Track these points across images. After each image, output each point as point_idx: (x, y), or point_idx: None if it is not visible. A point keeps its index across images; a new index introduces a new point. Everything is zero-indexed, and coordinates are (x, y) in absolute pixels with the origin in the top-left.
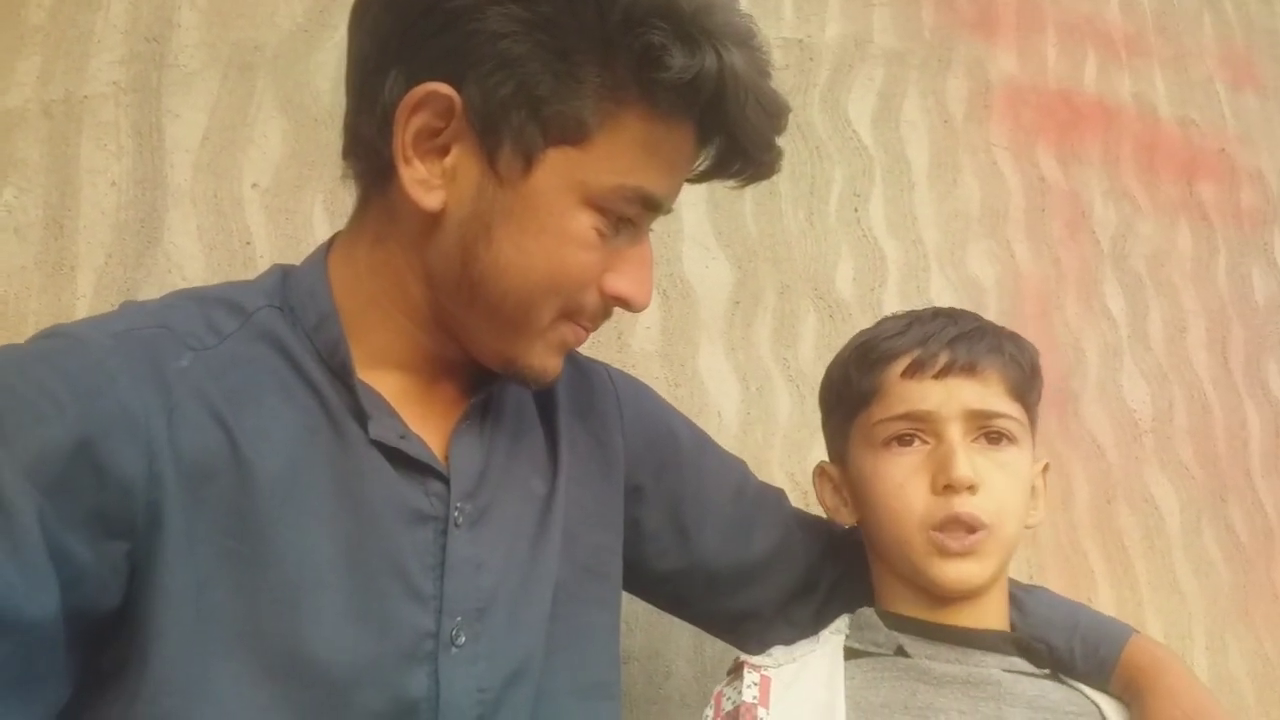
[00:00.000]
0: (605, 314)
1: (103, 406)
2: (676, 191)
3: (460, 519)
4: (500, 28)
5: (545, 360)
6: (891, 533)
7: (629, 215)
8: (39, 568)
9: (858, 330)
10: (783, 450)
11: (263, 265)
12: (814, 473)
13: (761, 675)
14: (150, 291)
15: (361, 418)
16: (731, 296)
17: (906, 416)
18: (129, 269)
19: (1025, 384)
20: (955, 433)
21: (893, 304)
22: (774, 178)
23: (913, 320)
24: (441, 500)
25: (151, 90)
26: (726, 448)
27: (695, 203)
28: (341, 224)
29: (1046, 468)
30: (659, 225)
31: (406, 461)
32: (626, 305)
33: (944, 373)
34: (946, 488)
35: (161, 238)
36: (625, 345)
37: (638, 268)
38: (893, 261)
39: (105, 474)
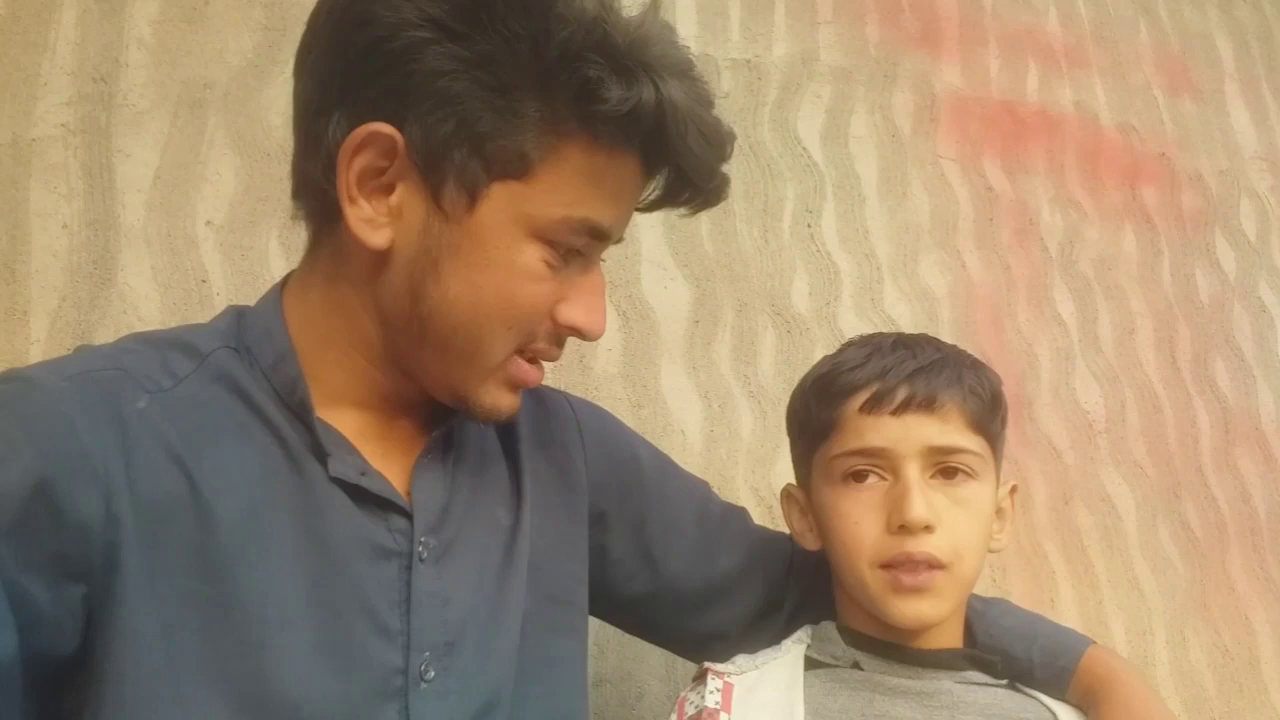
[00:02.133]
0: (559, 344)
1: (60, 448)
2: (625, 221)
3: (425, 554)
4: (439, 66)
5: (498, 398)
6: (847, 567)
7: (577, 246)
8: None
9: (814, 344)
10: (746, 466)
11: (219, 303)
12: (781, 495)
13: (724, 681)
14: (106, 334)
15: (321, 456)
16: (690, 316)
17: (863, 453)
18: (83, 311)
19: (986, 415)
20: (912, 470)
21: (848, 317)
22: (728, 197)
23: (873, 351)
24: (405, 536)
25: (101, 131)
26: (691, 466)
27: (652, 224)
28: (298, 258)
29: (1014, 489)
30: (616, 248)
31: (368, 498)
32: (580, 334)
33: (902, 409)
34: (901, 528)
35: (115, 279)
36: (587, 368)
37: (590, 296)
38: (847, 275)
39: (62, 515)
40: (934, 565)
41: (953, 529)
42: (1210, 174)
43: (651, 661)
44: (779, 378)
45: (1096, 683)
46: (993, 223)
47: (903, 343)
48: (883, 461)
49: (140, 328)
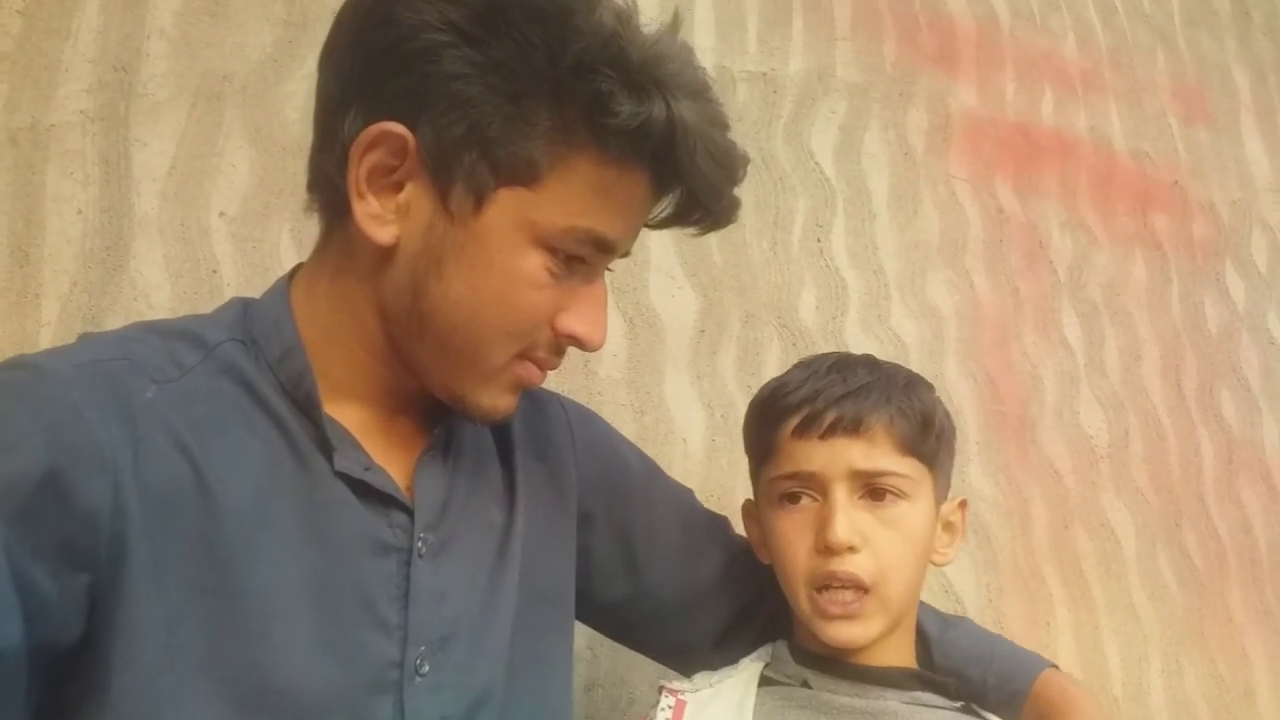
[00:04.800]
0: (559, 352)
1: (69, 437)
2: (632, 236)
3: (424, 550)
4: (454, 70)
5: (496, 400)
6: (786, 586)
7: (581, 255)
8: (4, 598)
9: None
10: (747, 477)
11: (229, 293)
12: (741, 510)
13: (677, 699)
14: (115, 320)
15: (326, 450)
16: (697, 325)
17: (794, 476)
18: (94, 297)
19: (916, 436)
20: (839, 493)
21: (854, 332)
22: (738, 219)
23: (810, 374)
24: (405, 531)
25: (119, 119)
26: (692, 474)
27: (661, 233)
28: (309, 252)
29: (963, 504)
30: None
31: (370, 493)
32: (579, 344)
33: (829, 433)
34: (826, 548)
35: (127, 266)
36: (592, 373)
37: (591, 307)
38: (854, 291)
39: (71, 505)
40: (858, 587)
41: (879, 549)
42: (1223, 204)
43: (645, 667)
44: None
45: (1050, 707)
46: (1002, 244)
47: (838, 365)
48: (813, 484)
49: (150, 315)
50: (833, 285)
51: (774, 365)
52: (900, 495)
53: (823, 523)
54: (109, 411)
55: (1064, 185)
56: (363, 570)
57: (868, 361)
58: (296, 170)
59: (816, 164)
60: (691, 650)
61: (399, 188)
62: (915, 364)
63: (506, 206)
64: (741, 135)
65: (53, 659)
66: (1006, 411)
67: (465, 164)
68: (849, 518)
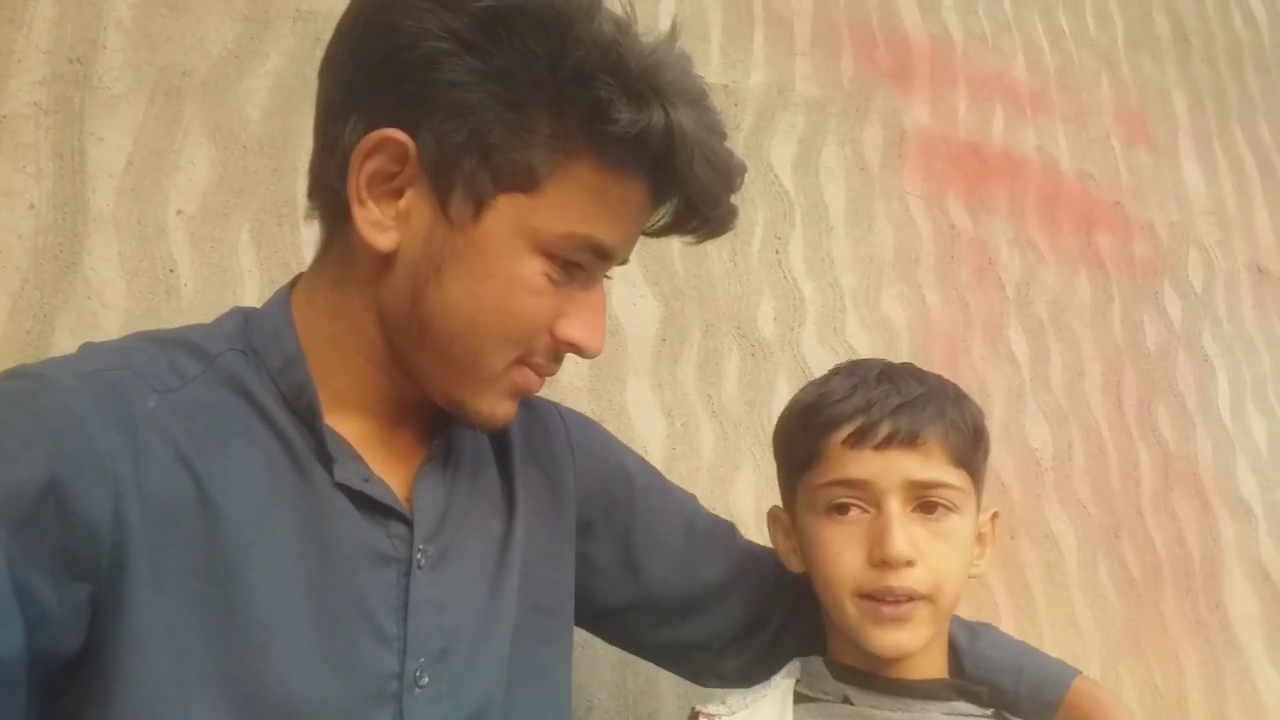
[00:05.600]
0: (558, 359)
1: (71, 447)
2: (630, 242)
3: (423, 561)
4: (455, 78)
5: (495, 406)
6: (828, 596)
7: (580, 262)
8: (5, 607)
9: (777, 368)
10: (707, 485)
11: (186, 293)
12: (768, 516)
13: None
14: (68, 318)
15: (327, 461)
16: (658, 334)
17: (845, 484)
18: (46, 294)
19: (969, 449)
20: (894, 505)
21: (811, 344)
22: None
23: (859, 382)
24: (404, 542)
25: (74, 112)
26: None
27: None
28: (268, 253)
29: (995, 515)
30: None
31: (370, 504)
32: (578, 351)
33: (885, 444)
34: (883, 562)
35: (81, 263)
36: (554, 381)
37: (590, 314)
38: (811, 302)
39: (72, 514)
40: (915, 597)
41: (933, 562)
42: (1161, 224)
43: (603, 675)
44: (741, 399)
45: (1082, 715)
46: (953, 260)
47: (888, 375)
48: (865, 494)
49: (104, 314)
50: (791, 297)
51: (733, 375)
52: (951, 508)
53: (877, 536)
54: (110, 421)
55: (1013, 203)
56: (362, 581)
57: (915, 371)
58: (257, 169)
59: (776, 177)
60: (699, 653)
61: (399, 194)
62: None
63: (506, 213)
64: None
65: (53, 669)
66: None
67: (465, 171)
68: (906, 531)
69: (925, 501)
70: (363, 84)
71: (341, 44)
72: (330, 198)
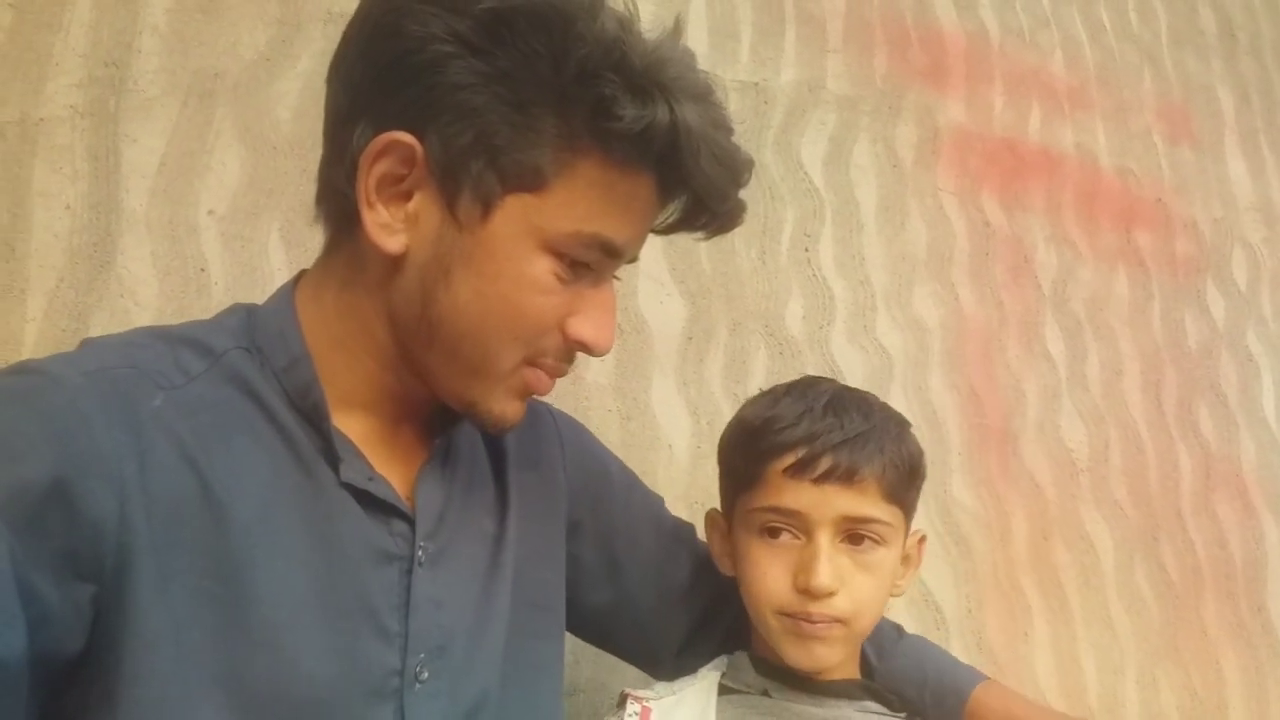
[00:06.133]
0: (569, 357)
1: (77, 447)
2: (639, 240)
3: (423, 558)
4: (460, 80)
5: (505, 405)
6: (753, 608)
7: (588, 261)
8: (8, 607)
9: (805, 367)
10: None
11: (217, 292)
12: (705, 518)
13: (643, 706)
14: (102, 316)
15: (332, 460)
16: (684, 332)
17: (779, 511)
18: (80, 293)
19: (903, 485)
20: (824, 537)
21: (840, 343)
22: (743, 222)
23: (805, 411)
24: (405, 540)
25: (109, 115)
26: (676, 481)
27: (651, 240)
28: (297, 253)
29: (923, 540)
30: None
31: (373, 502)
32: (587, 350)
33: (823, 478)
34: (806, 590)
35: (114, 262)
36: (579, 378)
37: (600, 312)
38: (841, 301)
39: (77, 514)
40: (834, 620)
41: (855, 591)
42: (1205, 222)
43: (627, 673)
44: None
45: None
46: (988, 257)
47: (834, 407)
48: (797, 523)
49: (137, 313)
50: (820, 295)
51: (760, 373)
52: (879, 541)
53: (804, 565)
54: (117, 421)
55: (1049, 200)
56: (365, 579)
57: (861, 403)
58: (287, 170)
59: (806, 174)
60: (660, 653)
61: (407, 197)
62: (900, 376)
63: (514, 213)
64: (745, 149)
65: (54, 669)
66: (989, 424)
67: (473, 172)
68: (832, 563)
69: (854, 534)
70: (370, 88)
71: (349, 49)
72: (339, 202)
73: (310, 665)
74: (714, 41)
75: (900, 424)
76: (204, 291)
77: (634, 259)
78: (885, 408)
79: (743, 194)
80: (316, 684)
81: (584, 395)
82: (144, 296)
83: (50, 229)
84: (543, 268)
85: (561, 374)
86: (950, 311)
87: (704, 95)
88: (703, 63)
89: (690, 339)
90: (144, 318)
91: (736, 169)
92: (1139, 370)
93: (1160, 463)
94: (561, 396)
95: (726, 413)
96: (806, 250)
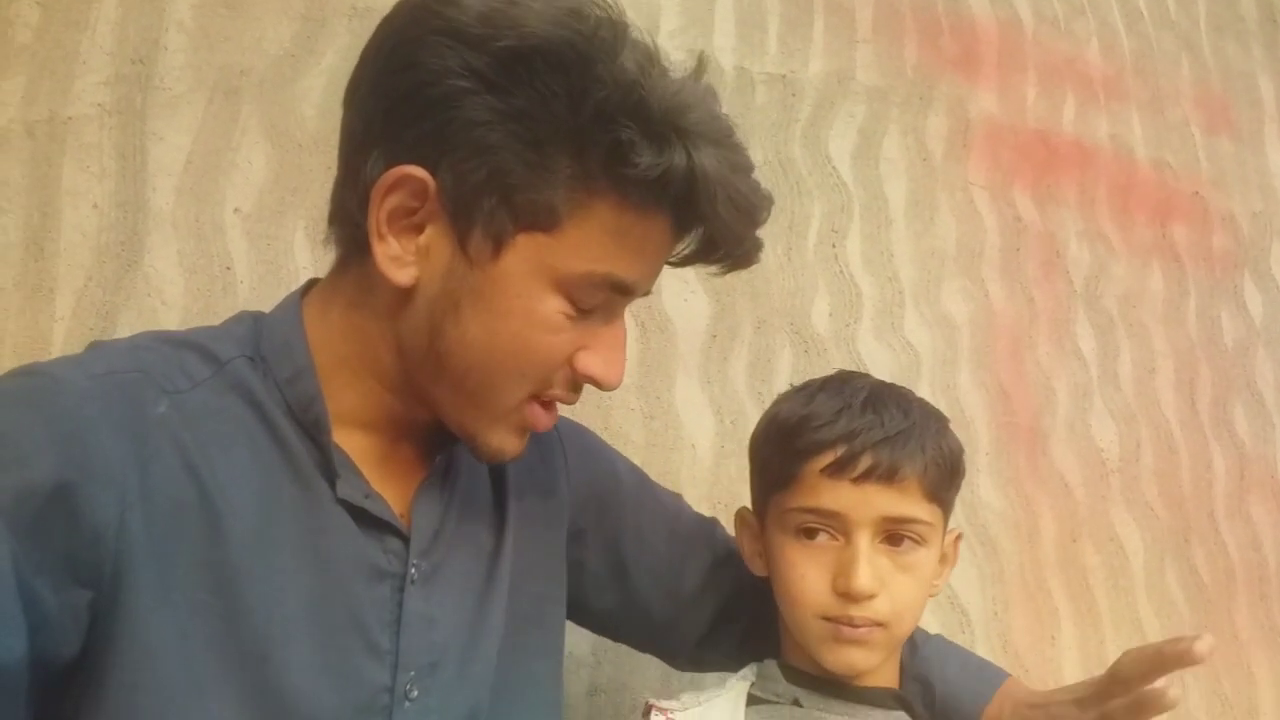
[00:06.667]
0: (577, 389)
1: (81, 452)
2: (652, 276)
3: (416, 576)
4: (476, 116)
5: (504, 440)
6: (790, 612)
7: (599, 299)
8: (8, 611)
9: (832, 365)
10: None
11: (243, 291)
12: (735, 517)
13: (667, 717)
14: (129, 315)
15: (329, 475)
16: (709, 330)
17: (817, 512)
18: (108, 292)
19: (944, 484)
20: (863, 538)
21: (867, 340)
22: (760, 261)
23: (843, 408)
24: (399, 558)
25: (136, 112)
26: (700, 480)
27: None
28: (322, 251)
29: (959, 538)
30: None
31: (368, 519)
32: (596, 384)
33: (863, 478)
34: (846, 594)
35: (142, 261)
36: None
37: (609, 349)
38: (868, 298)
39: (78, 520)
40: (875, 624)
41: (896, 592)
42: (1243, 215)
43: (648, 674)
44: None
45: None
46: (1019, 253)
47: (873, 403)
48: (836, 523)
49: (163, 311)
50: (847, 292)
51: (785, 372)
52: (919, 542)
53: (844, 567)
54: (122, 427)
55: (1083, 194)
56: (358, 595)
57: (900, 399)
58: (313, 167)
59: (834, 168)
60: (677, 647)
61: (419, 230)
62: (928, 373)
63: (525, 252)
64: (759, 138)
65: (51, 673)
66: (1018, 423)
67: (485, 209)
68: (872, 565)
69: (893, 534)
70: (384, 119)
71: (365, 76)
72: (351, 228)
73: (300, 680)
74: (741, 33)
75: (940, 420)
76: (229, 290)
77: (647, 293)
78: (924, 404)
79: (766, 188)
80: (306, 698)
81: (606, 394)
82: (170, 295)
83: (78, 228)
84: (553, 307)
85: (570, 402)
86: (980, 308)
87: (723, 139)
88: (729, 55)
89: (714, 337)
90: (170, 316)
91: (754, 211)
92: (1173, 368)
93: (1193, 463)
94: (583, 397)
95: (751, 412)
96: (834, 246)
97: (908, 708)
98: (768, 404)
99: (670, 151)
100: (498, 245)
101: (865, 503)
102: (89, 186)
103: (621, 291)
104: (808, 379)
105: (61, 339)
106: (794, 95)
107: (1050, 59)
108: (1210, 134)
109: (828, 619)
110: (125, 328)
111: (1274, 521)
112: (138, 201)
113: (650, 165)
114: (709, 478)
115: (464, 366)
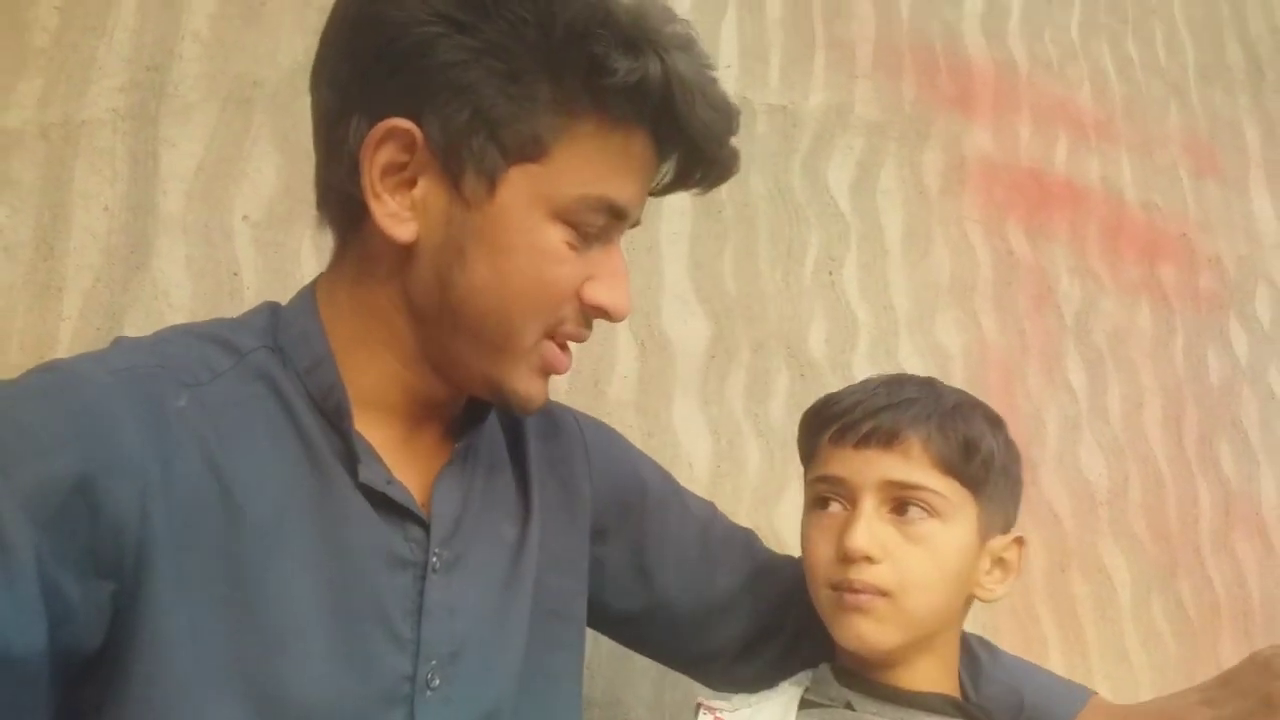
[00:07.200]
0: (587, 324)
1: (103, 446)
2: (640, 199)
3: (437, 564)
4: (450, 58)
5: (530, 384)
6: (810, 586)
7: (596, 225)
8: (31, 602)
9: (827, 389)
10: (751, 503)
11: (249, 296)
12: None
13: (715, 716)
14: (136, 316)
15: (350, 462)
16: (707, 351)
17: (827, 479)
18: (115, 293)
19: (957, 458)
20: (867, 503)
21: (862, 366)
22: (753, 239)
23: (862, 387)
24: (420, 546)
25: (149, 118)
26: None
27: (676, 258)
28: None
29: (1021, 541)
30: (638, 279)
31: (389, 506)
32: (606, 315)
33: (863, 442)
34: (844, 555)
35: (150, 264)
36: (601, 394)
37: (613, 276)
38: (864, 325)
39: (100, 512)
40: (878, 592)
41: (901, 562)
42: (1229, 258)
43: (640, 688)
44: (789, 420)
45: None
46: (1011, 287)
47: (890, 381)
48: (843, 491)
49: (170, 314)
50: (843, 319)
51: (781, 395)
52: (930, 512)
53: (845, 531)
54: (143, 421)
55: (1074, 232)
56: (378, 584)
57: (924, 382)
58: None
59: (832, 198)
60: (711, 662)
61: (412, 184)
62: None
63: (519, 185)
64: (760, 166)
65: (72, 665)
66: None
67: (474, 149)
68: (870, 528)
69: (900, 501)
70: (360, 82)
71: (329, 50)
72: (342, 202)
73: (320, 669)
74: (744, 64)
75: (966, 403)
76: (236, 295)
77: (637, 222)
78: (959, 392)
79: (757, 220)
80: (326, 688)
81: (606, 410)
82: (177, 298)
83: (89, 229)
84: (554, 237)
85: (582, 339)
86: (972, 339)
87: (689, 45)
88: (732, 84)
89: (713, 358)
90: (177, 319)
91: (730, 114)
92: (1160, 404)
93: (1180, 498)
94: (583, 409)
95: (747, 433)
96: (831, 274)
97: (965, 715)
98: (763, 425)
99: (644, 58)
100: (492, 183)
101: (866, 466)
102: (100, 189)
103: (616, 215)
104: (800, 404)
105: (68, 338)
106: (794, 126)
107: (1044, 100)
108: (1198, 178)
109: (834, 587)
110: (132, 329)
111: (1258, 558)
112: (148, 205)
113: (629, 70)
114: (705, 495)
115: (479, 312)
